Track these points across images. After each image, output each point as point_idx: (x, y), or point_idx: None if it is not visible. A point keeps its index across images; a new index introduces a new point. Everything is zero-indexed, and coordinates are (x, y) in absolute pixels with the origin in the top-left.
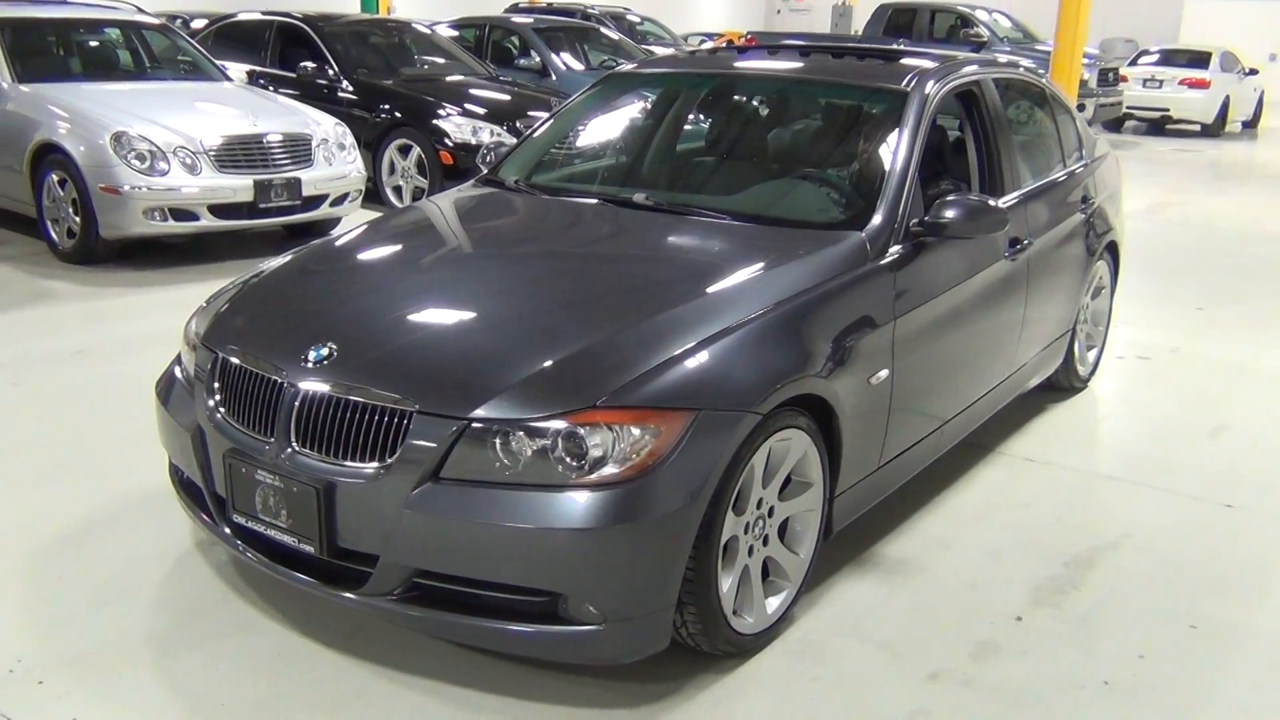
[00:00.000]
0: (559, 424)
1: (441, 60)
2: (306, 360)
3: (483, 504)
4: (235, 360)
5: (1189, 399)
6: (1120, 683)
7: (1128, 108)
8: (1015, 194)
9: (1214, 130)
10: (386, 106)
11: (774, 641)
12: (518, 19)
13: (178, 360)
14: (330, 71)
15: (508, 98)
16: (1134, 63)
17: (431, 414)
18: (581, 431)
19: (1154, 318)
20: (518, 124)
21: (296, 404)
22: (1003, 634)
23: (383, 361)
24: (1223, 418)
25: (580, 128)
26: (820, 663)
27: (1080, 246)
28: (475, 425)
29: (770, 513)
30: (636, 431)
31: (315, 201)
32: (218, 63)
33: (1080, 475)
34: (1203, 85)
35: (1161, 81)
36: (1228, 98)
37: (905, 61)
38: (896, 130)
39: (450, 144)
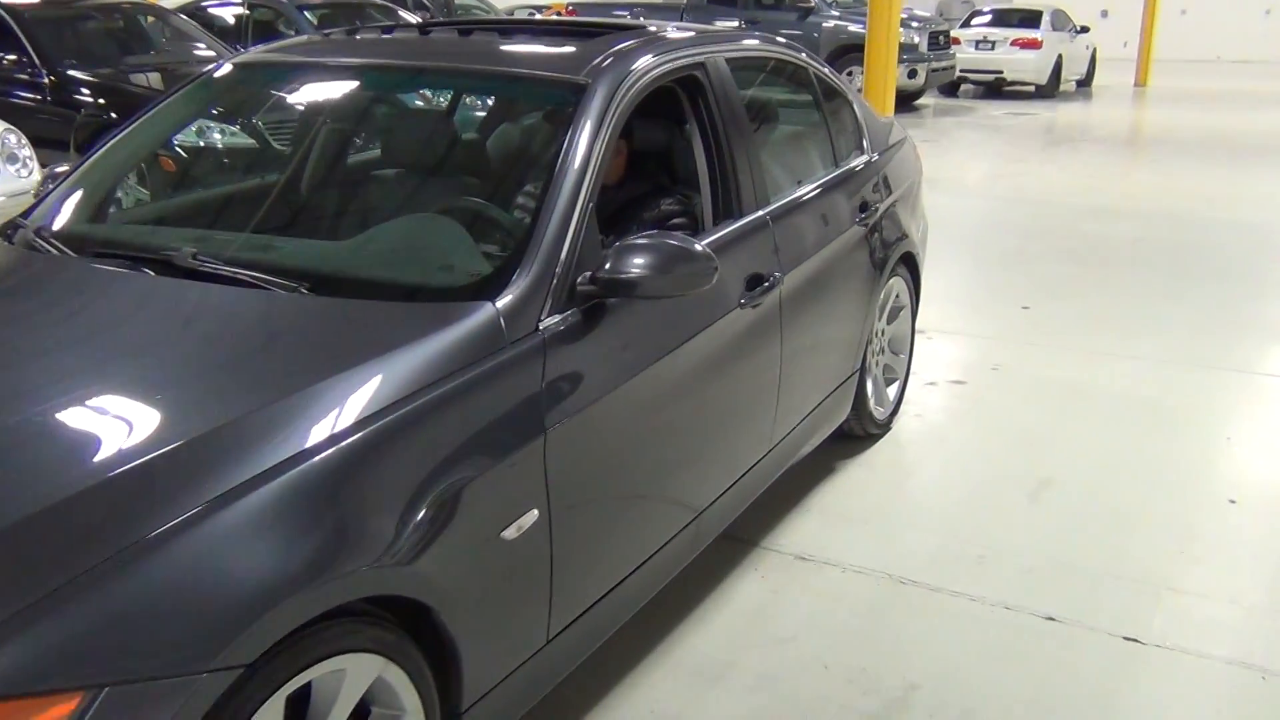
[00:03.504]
0: None
1: (185, 46)
2: None
3: None
4: None
5: (1009, 440)
6: None
7: (961, 71)
8: (757, 214)
9: (1048, 91)
10: (101, 102)
11: None
12: None
13: None
14: (28, 63)
15: None
16: (966, 24)
17: None
18: None
19: (975, 323)
20: (258, 120)
21: None
22: None
23: None
24: (1047, 466)
25: (163, 144)
26: None
27: (863, 266)
28: None
29: None
30: None
31: None
32: None
33: (864, 580)
34: (1034, 45)
35: (994, 43)
36: (1060, 57)
37: (600, 41)
38: (563, 143)
39: (174, 149)
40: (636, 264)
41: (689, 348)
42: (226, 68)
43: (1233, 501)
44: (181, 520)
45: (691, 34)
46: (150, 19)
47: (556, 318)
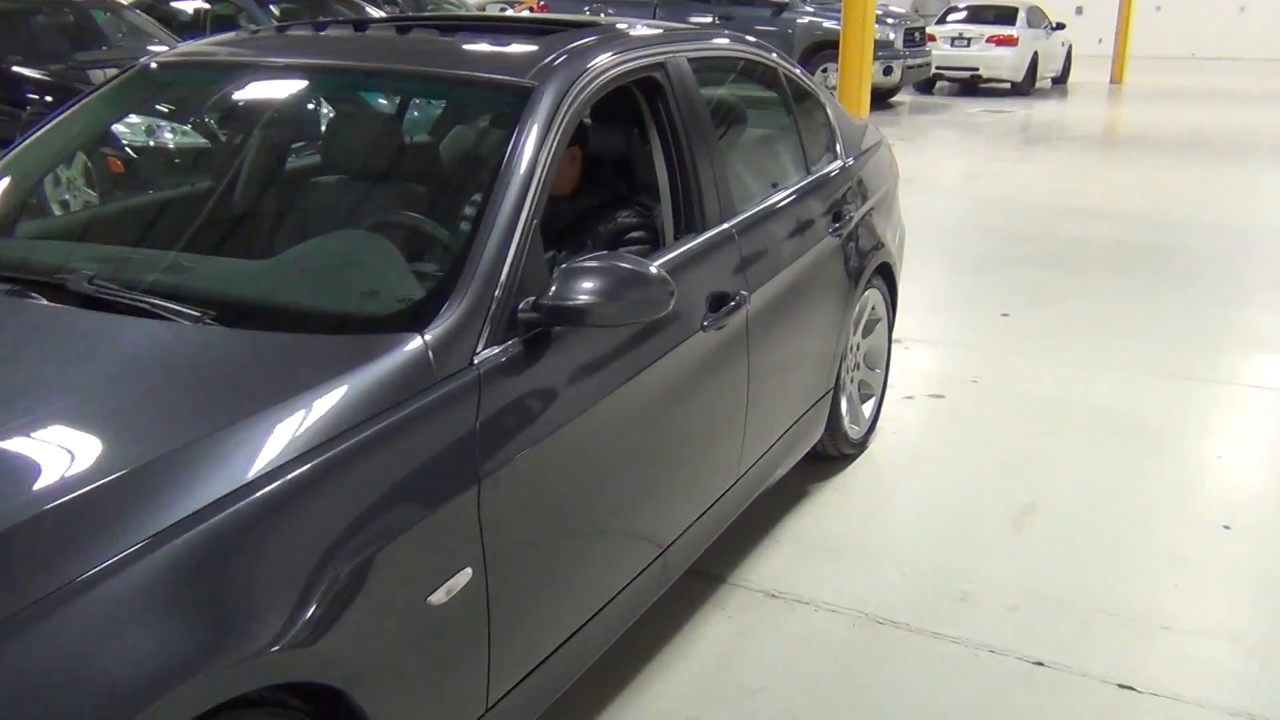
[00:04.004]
0: None
1: (141, 42)
2: None
3: None
4: None
5: (991, 460)
6: None
7: (937, 68)
8: (722, 227)
9: (1024, 88)
10: (49, 100)
11: None
12: None
13: None
14: None
15: None
16: (941, 21)
17: None
18: None
19: (954, 332)
20: (209, 120)
21: None
22: None
23: None
24: (1031, 490)
25: (78, 150)
26: None
27: (836, 279)
28: None
29: None
30: None
31: None
32: None
33: (838, 620)
34: (1010, 42)
35: (969, 40)
36: (1036, 54)
37: (551, 39)
38: (505, 152)
39: (122, 148)
40: (584, 289)
41: (645, 378)
42: (149, 66)
43: (1227, 527)
44: (37, 603)
45: (652, 32)
46: (105, 14)
47: (494, 349)
